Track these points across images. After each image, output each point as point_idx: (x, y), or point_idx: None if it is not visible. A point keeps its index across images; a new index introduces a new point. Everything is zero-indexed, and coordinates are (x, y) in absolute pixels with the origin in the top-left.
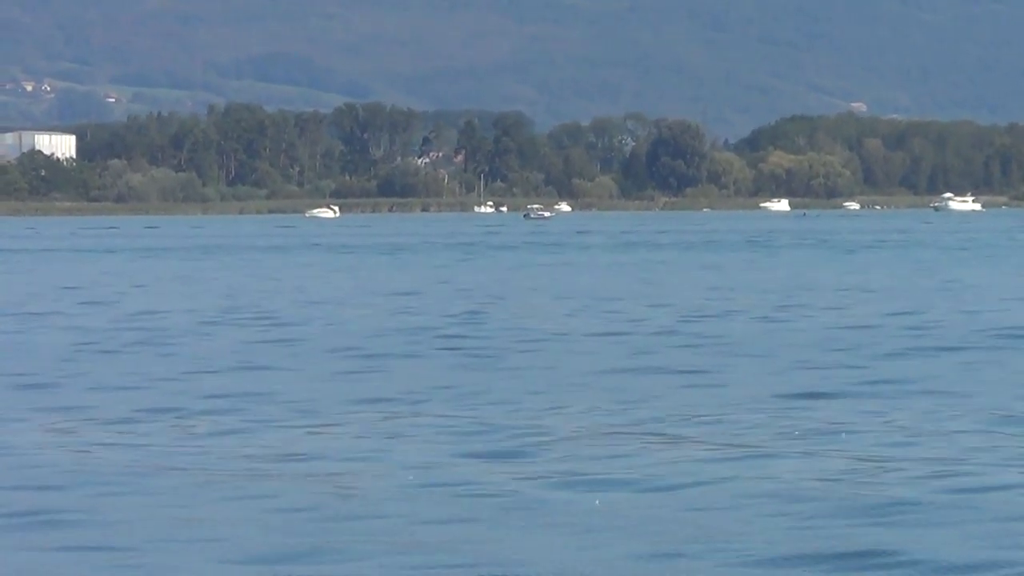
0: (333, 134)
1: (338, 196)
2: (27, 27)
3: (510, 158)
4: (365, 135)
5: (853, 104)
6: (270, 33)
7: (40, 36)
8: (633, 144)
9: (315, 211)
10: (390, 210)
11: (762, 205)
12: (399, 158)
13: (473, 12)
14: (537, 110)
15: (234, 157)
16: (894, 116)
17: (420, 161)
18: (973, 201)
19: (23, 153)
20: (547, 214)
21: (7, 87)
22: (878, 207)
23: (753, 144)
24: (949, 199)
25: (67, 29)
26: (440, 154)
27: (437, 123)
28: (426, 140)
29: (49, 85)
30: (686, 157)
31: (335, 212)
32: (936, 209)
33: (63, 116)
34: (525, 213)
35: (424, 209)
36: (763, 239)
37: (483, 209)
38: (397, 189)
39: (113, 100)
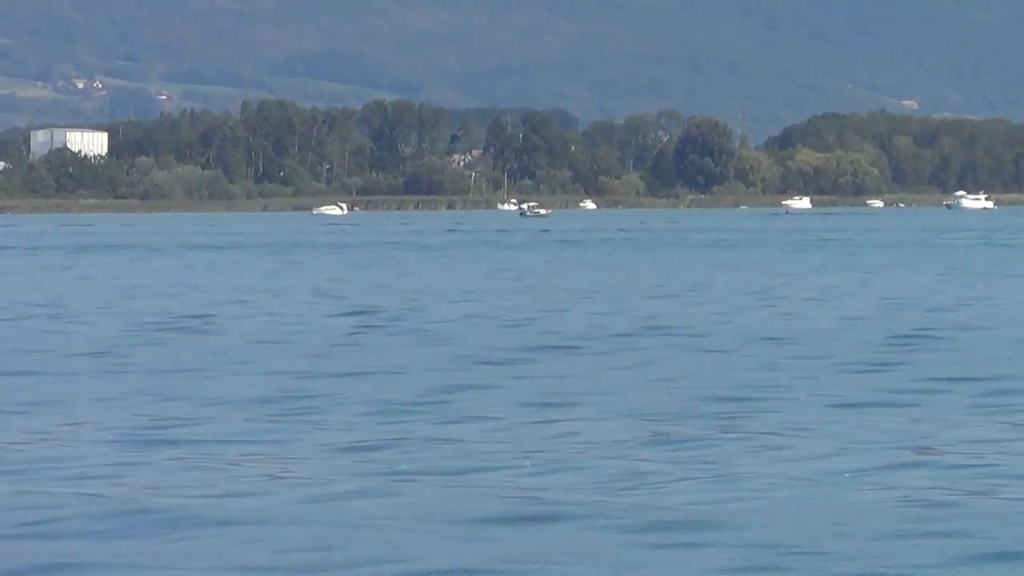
0: (363, 131)
1: (365, 193)
2: (80, 24)
3: (538, 155)
4: (394, 132)
5: (904, 102)
6: (322, 31)
7: (92, 33)
8: (666, 141)
9: (323, 208)
10: (415, 207)
11: (783, 203)
12: (426, 155)
13: (526, 10)
14: (589, 107)
15: (262, 154)
16: (945, 114)
17: (458, 159)
18: (986, 199)
19: (50, 150)
20: (543, 211)
21: (59, 84)
22: (901, 205)
23: (784, 142)
24: (962, 197)
25: (119, 26)
26: (480, 152)
27: (466, 120)
28: (455, 138)
29: (100, 82)
30: (714, 155)
31: (343, 209)
32: (949, 207)
33: (114, 113)
34: (521, 211)
35: (450, 207)
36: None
37: (506, 207)
38: (423, 186)
39: (164, 97)
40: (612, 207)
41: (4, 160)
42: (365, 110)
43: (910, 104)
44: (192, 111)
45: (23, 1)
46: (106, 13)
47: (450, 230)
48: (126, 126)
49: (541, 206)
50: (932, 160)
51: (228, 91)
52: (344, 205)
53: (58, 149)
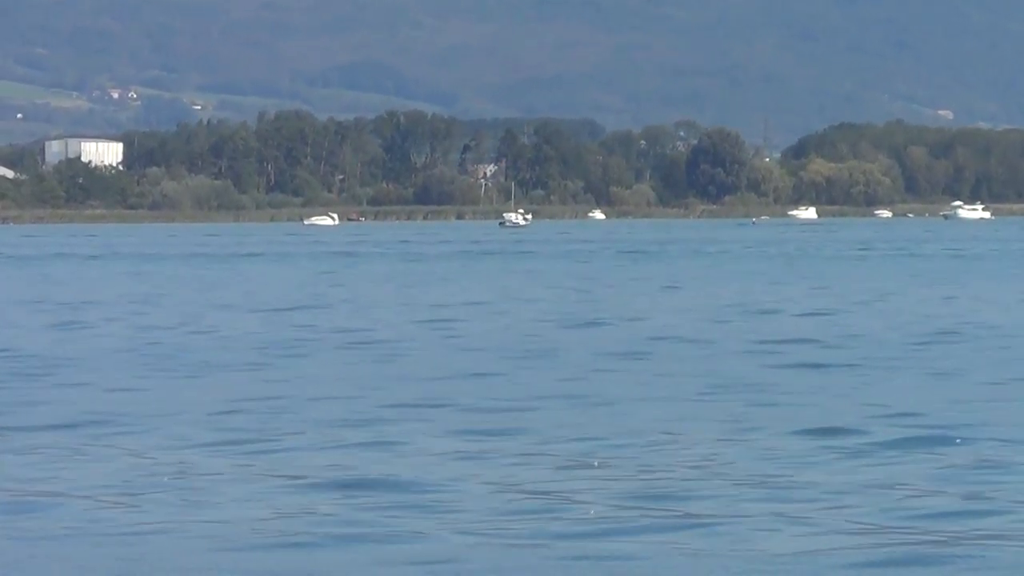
0: (377, 142)
1: (375, 204)
2: (115, 35)
3: (550, 166)
4: (406, 143)
5: (940, 112)
6: (358, 42)
7: (128, 44)
8: (677, 152)
9: (314, 219)
10: (424, 218)
11: (790, 213)
12: (438, 166)
13: (561, 22)
14: (624, 119)
15: (274, 165)
16: (980, 124)
17: (481, 169)
18: (983, 209)
19: (60, 161)
20: (523, 222)
21: (94, 95)
22: (911, 215)
23: (799, 152)
24: (958, 207)
25: (155, 37)
26: (496, 163)
27: (477, 132)
28: (466, 148)
29: (135, 92)
30: (726, 165)
31: (334, 220)
32: (946, 217)
33: (148, 124)
34: (501, 221)
35: (459, 217)
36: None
37: (514, 216)
38: (433, 197)
39: (199, 108)
40: (622, 217)
41: (21, 171)
42: (377, 121)
43: (945, 114)
44: (208, 121)
45: (59, 12)
46: (142, 24)
47: (349, 244)
48: (142, 136)
49: (520, 217)
50: (946, 170)
51: (263, 102)
52: (335, 216)
53: (69, 160)
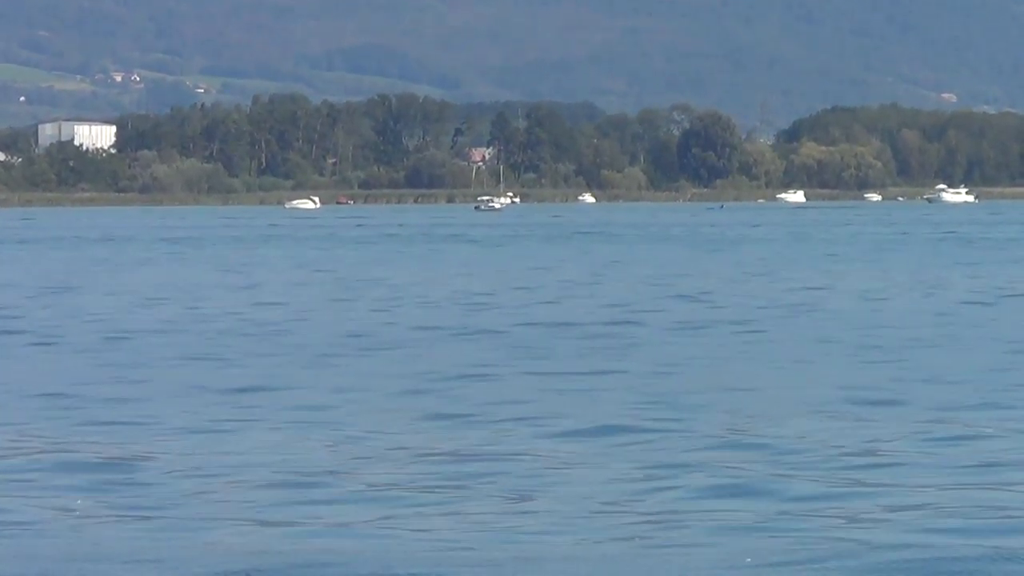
0: (369, 125)
1: (366, 187)
2: (119, 18)
3: (542, 149)
4: (398, 126)
5: (944, 95)
6: (363, 25)
7: (132, 27)
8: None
9: (295, 202)
10: (415, 201)
11: (778, 196)
12: (430, 149)
13: (566, 5)
14: (627, 102)
15: (265, 148)
16: (985, 108)
17: (479, 152)
18: (967, 193)
19: (51, 144)
20: (497, 206)
21: (97, 78)
22: (900, 199)
23: (792, 135)
24: (942, 191)
25: (159, 20)
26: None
27: (469, 115)
28: (458, 131)
29: (139, 75)
30: (717, 148)
31: (315, 203)
32: (929, 201)
33: (151, 106)
34: (476, 205)
35: (450, 200)
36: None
37: (503, 200)
38: (424, 180)
39: (203, 91)
40: (613, 201)
41: (14, 154)
42: (369, 104)
43: (949, 98)
44: (203, 105)
45: None
46: (145, 7)
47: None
48: (135, 119)
49: (494, 200)
50: (938, 154)
51: (266, 85)
52: (317, 199)
53: (60, 142)
